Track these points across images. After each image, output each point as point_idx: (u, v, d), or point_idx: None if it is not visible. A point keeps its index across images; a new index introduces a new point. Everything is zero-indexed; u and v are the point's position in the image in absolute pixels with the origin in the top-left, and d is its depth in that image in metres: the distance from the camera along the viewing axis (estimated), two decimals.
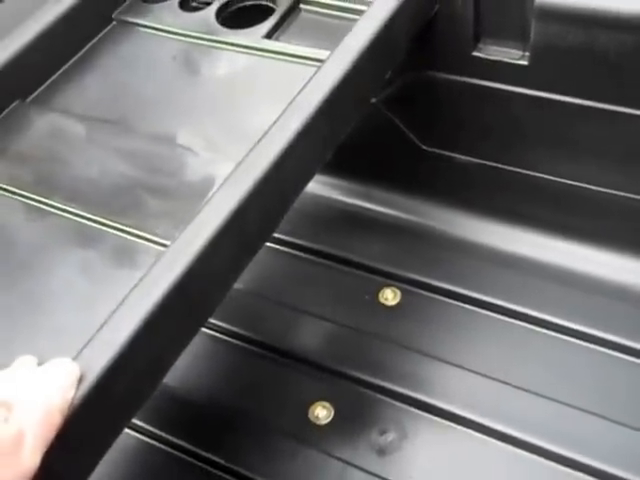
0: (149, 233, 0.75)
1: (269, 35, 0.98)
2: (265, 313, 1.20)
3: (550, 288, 1.16)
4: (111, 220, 0.77)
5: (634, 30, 0.89)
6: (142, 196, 0.80)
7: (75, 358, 0.58)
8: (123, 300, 0.63)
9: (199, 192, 0.78)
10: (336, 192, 1.34)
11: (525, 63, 1.00)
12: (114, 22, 1.04)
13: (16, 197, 0.82)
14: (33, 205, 0.81)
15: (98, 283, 0.73)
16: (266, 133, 0.77)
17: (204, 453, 1.05)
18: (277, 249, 1.28)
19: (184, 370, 1.13)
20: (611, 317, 1.11)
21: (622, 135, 1.02)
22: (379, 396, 1.09)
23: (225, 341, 1.17)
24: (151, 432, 1.07)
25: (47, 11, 0.97)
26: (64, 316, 0.71)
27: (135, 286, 0.64)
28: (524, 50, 1.00)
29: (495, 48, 1.02)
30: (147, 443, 1.07)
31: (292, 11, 1.01)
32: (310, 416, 1.08)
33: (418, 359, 1.11)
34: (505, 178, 1.18)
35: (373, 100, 1.14)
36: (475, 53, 1.03)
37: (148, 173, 0.82)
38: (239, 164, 0.74)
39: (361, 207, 1.32)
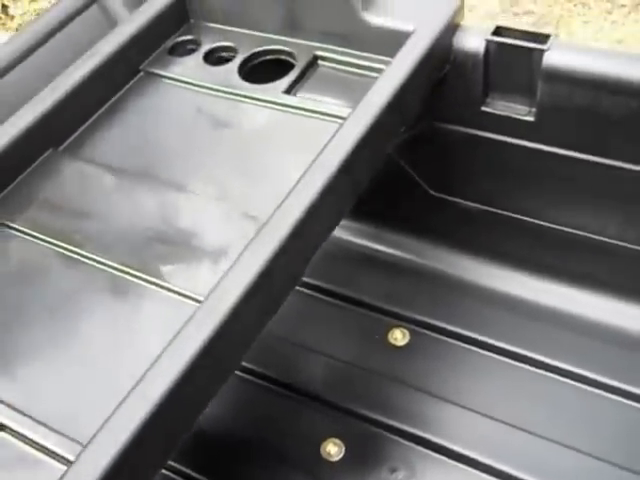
0: (179, 287, 0.85)
1: (289, 90, 1.09)
2: (280, 351, 1.31)
3: (552, 332, 1.28)
4: (140, 272, 0.87)
5: (635, 94, 1.01)
6: (168, 249, 0.90)
7: (111, 416, 0.68)
8: (158, 357, 0.72)
9: (222, 248, 0.88)
10: (349, 234, 1.45)
11: (531, 119, 1.11)
12: (141, 73, 1.16)
13: (51, 245, 0.93)
14: (66, 254, 0.91)
15: (125, 332, 0.83)
16: (290, 193, 0.86)
17: None
18: (295, 289, 1.36)
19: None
20: (608, 360, 1.22)
21: (619, 188, 1.14)
22: (388, 435, 1.20)
23: (242, 377, 1.28)
24: (170, 465, 1.18)
25: (81, 64, 1.08)
26: (91, 363, 0.81)
27: (169, 343, 0.73)
28: (530, 106, 1.11)
29: (503, 104, 1.13)
30: (166, 476, 1.17)
31: (311, 66, 1.13)
32: (322, 452, 1.20)
33: (426, 399, 1.22)
34: (509, 224, 1.29)
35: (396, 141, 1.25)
36: (484, 108, 1.14)
37: (174, 227, 0.92)
38: (265, 224, 0.83)
39: (373, 249, 1.44)
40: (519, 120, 1.12)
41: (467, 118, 1.17)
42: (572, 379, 1.21)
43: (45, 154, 1.04)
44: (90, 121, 1.09)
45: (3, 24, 3.22)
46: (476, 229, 1.35)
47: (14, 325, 0.85)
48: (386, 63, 1.04)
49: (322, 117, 1.03)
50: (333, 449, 1.20)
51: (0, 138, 1.00)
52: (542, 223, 1.26)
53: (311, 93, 1.09)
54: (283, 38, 1.16)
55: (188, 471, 1.18)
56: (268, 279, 0.81)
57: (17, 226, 0.96)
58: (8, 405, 0.77)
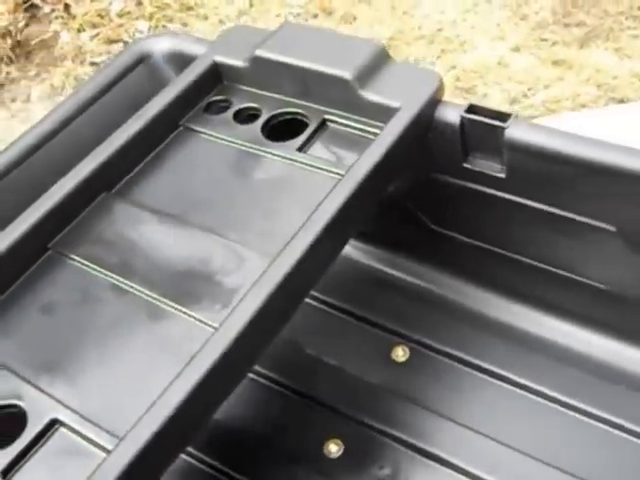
0: (201, 315, 1.14)
1: (301, 148, 1.40)
2: (292, 359, 1.62)
3: (543, 361, 1.53)
4: (174, 302, 1.17)
5: (575, 164, 1.30)
6: (195, 283, 1.19)
7: (142, 416, 0.96)
8: (180, 371, 1.02)
9: (240, 282, 1.17)
10: (362, 256, 1.76)
11: (502, 176, 1.40)
12: (181, 128, 1.47)
13: (103, 276, 1.23)
14: (116, 284, 1.22)
15: (159, 353, 1.11)
16: (294, 236, 1.16)
17: (233, 473, 1.48)
18: (305, 302, 1.66)
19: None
20: (590, 390, 1.47)
21: (573, 235, 1.43)
22: (383, 438, 1.49)
23: (257, 381, 1.59)
24: (191, 452, 1.50)
25: (132, 122, 1.40)
26: (128, 373, 1.09)
27: (190, 360, 1.03)
28: (502, 165, 1.40)
29: (480, 162, 1.43)
30: (187, 462, 1.50)
31: (321, 127, 1.43)
32: (324, 450, 1.50)
33: (420, 411, 1.50)
34: (502, 259, 1.57)
35: (391, 189, 1.54)
36: (465, 165, 1.43)
37: (203, 263, 1.21)
38: (271, 262, 1.14)
39: (383, 271, 1.74)
40: (493, 176, 1.41)
41: (453, 171, 1.46)
42: (554, 403, 1.48)
43: (99, 197, 1.34)
44: (137, 169, 1.39)
45: (65, 23, 3.55)
46: (473, 260, 1.63)
47: (72, 341, 1.14)
48: (381, 128, 1.35)
49: (327, 173, 1.33)
50: (334, 448, 1.49)
51: (65, 183, 1.28)
52: (524, 259, 1.54)
53: (320, 151, 1.39)
54: (299, 102, 1.45)
55: (207, 458, 1.50)
56: (270, 309, 1.10)
57: (77, 258, 1.24)
58: (64, 405, 1.05)
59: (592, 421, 1.45)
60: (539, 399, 1.49)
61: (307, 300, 1.68)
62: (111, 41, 3.46)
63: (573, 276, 1.49)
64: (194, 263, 1.23)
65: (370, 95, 1.38)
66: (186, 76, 1.48)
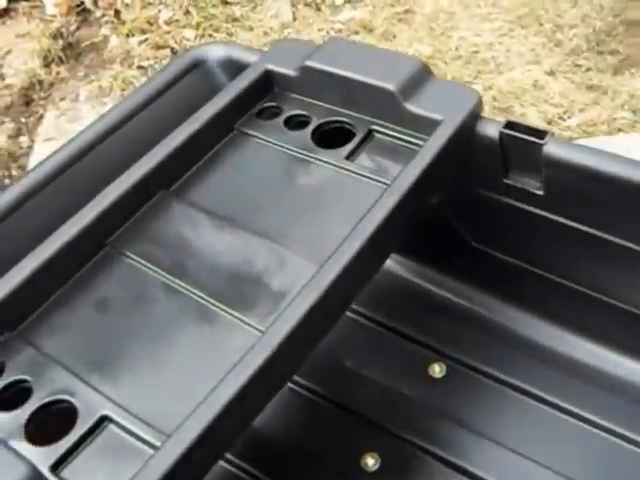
0: (248, 318, 1.13)
1: (349, 156, 1.40)
2: (331, 371, 1.60)
3: (579, 384, 1.51)
4: (223, 304, 1.15)
5: (612, 183, 1.29)
6: (246, 286, 1.18)
7: (189, 415, 0.95)
8: (227, 373, 1.00)
9: (288, 287, 1.16)
10: (404, 271, 1.74)
11: (541, 193, 1.39)
12: (235, 131, 1.47)
13: (156, 275, 1.22)
14: (168, 284, 1.19)
15: (208, 354, 1.10)
16: (342, 243, 1.16)
17: None
18: (346, 316, 1.66)
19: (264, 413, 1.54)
20: (625, 414, 1.44)
21: (610, 256, 1.40)
22: (419, 453, 1.47)
23: (296, 391, 1.58)
24: (227, 459, 1.49)
25: (189, 124, 1.40)
26: (177, 373, 1.08)
27: (237, 363, 1.01)
28: (540, 182, 1.39)
29: (520, 178, 1.42)
30: (224, 468, 1.48)
31: (368, 136, 1.44)
32: (361, 463, 1.47)
33: (455, 427, 1.48)
34: (538, 279, 1.55)
35: (435, 203, 1.54)
36: (505, 180, 1.42)
37: (252, 267, 1.21)
38: (319, 268, 1.13)
39: (423, 287, 1.72)
40: (532, 193, 1.40)
41: (495, 186, 1.45)
42: (595, 427, 1.45)
43: (157, 195, 1.33)
44: (193, 169, 1.39)
45: (115, 28, 3.57)
46: (512, 280, 1.60)
47: (123, 339, 1.13)
48: (424, 140, 1.35)
49: (373, 182, 1.33)
50: (370, 461, 1.46)
51: (124, 181, 1.28)
52: (564, 281, 1.52)
53: (367, 160, 1.39)
54: (346, 111, 1.46)
55: (244, 465, 1.48)
56: (317, 314, 1.08)
57: (133, 255, 1.23)
58: (115, 402, 1.04)
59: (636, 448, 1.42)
60: (578, 422, 1.47)
61: (347, 313, 1.66)
62: (159, 47, 3.46)
63: (613, 301, 1.47)
64: (243, 266, 1.22)
65: (413, 108, 1.38)
66: (240, 82, 1.49)
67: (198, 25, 3.51)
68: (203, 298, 1.17)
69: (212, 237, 1.27)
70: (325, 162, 1.39)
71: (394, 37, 3.31)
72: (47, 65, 3.46)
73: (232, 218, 1.30)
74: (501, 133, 1.37)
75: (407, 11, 3.42)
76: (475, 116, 1.39)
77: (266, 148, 1.44)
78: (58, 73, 3.46)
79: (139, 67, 3.42)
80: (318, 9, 3.54)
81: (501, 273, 1.61)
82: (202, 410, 0.97)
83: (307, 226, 1.28)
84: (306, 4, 3.57)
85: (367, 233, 1.18)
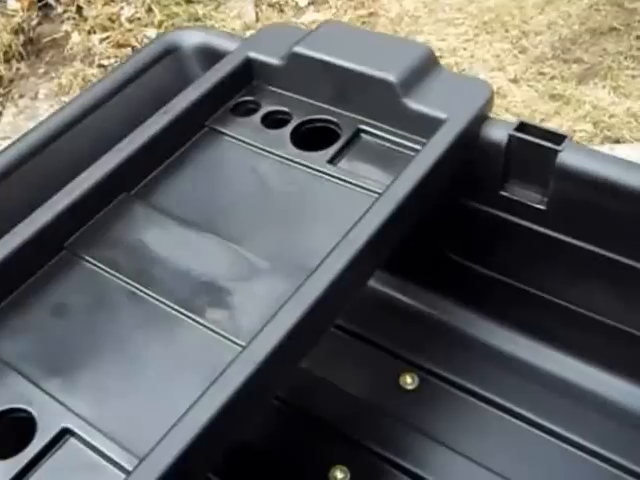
0: (225, 332, 1.00)
1: (332, 159, 1.23)
2: (300, 382, 1.45)
3: (552, 397, 1.40)
4: (195, 314, 1.03)
5: (636, 199, 1.14)
6: (218, 296, 1.05)
7: (164, 436, 0.84)
8: (204, 392, 0.88)
9: (266, 301, 1.02)
10: (376, 281, 1.59)
11: (543, 207, 1.24)
12: (206, 129, 1.30)
13: (119, 281, 1.08)
14: (133, 291, 1.07)
15: (181, 368, 0.98)
16: (323, 261, 1.01)
17: None
18: None
19: None
20: (607, 434, 1.33)
21: (617, 278, 1.26)
22: (389, 468, 1.35)
23: None
24: None
25: (156, 120, 1.23)
26: (148, 388, 0.96)
27: (214, 381, 0.89)
28: (543, 196, 1.23)
29: (519, 190, 1.26)
30: None
31: (354, 138, 1.26)
32: (330, 476, 1.35)
33: (425, 441, 1.36)
34: (521, 295, 1.42)
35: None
36: (502, 192, 1.27)
37: (226, 276, 1.07)
38: (303, 283, 0.98)
39: (395, 298, 1.58)
40: (532, 207, 1.25)
41: (487, 199, 1.30)
42: (565, 442, 1.35)
43: (119, 197, 1.19)
44: (158, 170, 1.24)
45: (76, 25, 3.40)
46: (490, 294, 1.48)
47: (85, 347, 1.01)
48: (421, 144, 1.18)
49: (358, 189, 1.17)
50: (339, 475, 1.35)
51: (84, 181, 1.14)
52: (552, 298, 1.38)
53: (352, 164, 1.22)
54: (332, 108, 1.29)
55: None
56: (302, 330, 0.96)
57: (93, 260, 1.10)
58: (78, 415, 0.92)
59: (605, 465, 1.32)
60: (551, 438, 1.36)
61: None
62: (120, 45, 3.30)
63: (611, 322, 1.34)
64: (215, 274, 1.08)
65: (414, 103, 1.21)
66: (216, 72, 1.31)
67: (160, 24, 3.34)
68: (171, 307, 1.04)
69: (180, 243, 1.13)
70: (305, 166, 1.22)
71: None
72: (7, 61, 3.29)
73: (203, 224, 1.16)
74: (510, 137, 1.20)
75: (371, 14, 3.28)
76: (484, 116, 1.22)
77: (240, 148, 1.28)
78: (18, 69, 3.29)
79: (100, 65, 3.25)
80: (281, 10, 3.39)
81: (478, 286, 1.49)
82: (178, 432, 0.85)
83: (283, 236, 1.14)
84: (270, 5, 3.41)
85: (356, 246, 1.03)
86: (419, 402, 1.43)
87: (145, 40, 3.29)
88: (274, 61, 1.33)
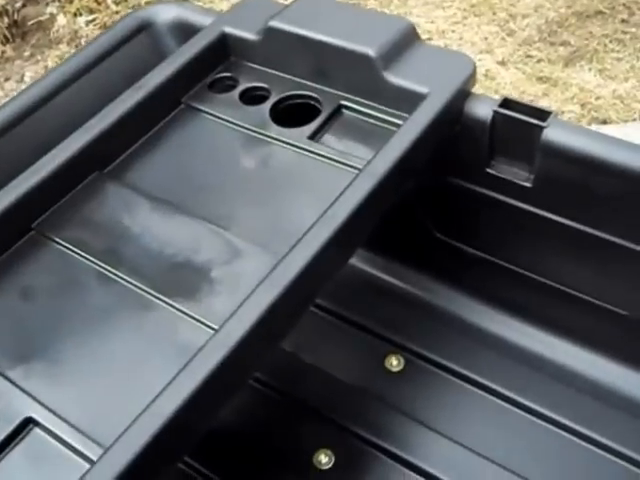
0: (198, 314, 0.94)
1: (313, 136, 1.17)
2: (285, 364, 1.41)
3: (539, 378, 1.36)
4: (167, 297, 0.97)
5: (621, 175, 1.09)
6: (193, 277, 0.99)
7: (130, 425, 0.79)
8: (174, 377, 0.82)
9: (244, 281, 0.96)
10: (361, 262, 1.54)
11: (529, 185, 1.19)
12: (182, 106, 1.24)
13: (90, 263, 1.02)
14: (102, 272, 1.01)
15: (151, 353, 0.92)
16: (306, 233, 0.95)
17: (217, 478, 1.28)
18: None
19: None
20: (596, 417, 1.29)
21: (601, 256, 1.22)
22: (373, 451, 1.30)
23: (249, 385, 1.37)
24: None
25: (129, 96, 1.17)
26: (116, 373, 0.91)
27: (185, 365, 0.83)
28: (530, 173, 1.19)
29: (505, 167, 1.21)
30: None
31: (335, 114, 1.21)
32: (314, 460, 1.31)
33: (410, 423, 1.32)
34: (506, 273, 1.37)
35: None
36: (488, 170, 1.22)
37: (201, 257, 1.01)
38: (278, 263, 0.93)
39: (380, 279, 1.53)
40: (518, 184, 1.20)
41: (473, 176, 1.25)
42: (550, 424, 1.31)
43: (91, 176, 1.13)
44: (133, 148, 1.18)
45: (62, 7, 3.33)
46: (476, 273, 1.43)
47: (52, 332, 0.95)
48: (403, 119, 1.13)
49: (340, 166, 1.11)
50: (324, 459, 1.31)
51: (53, 158, 1.08)
52: (538, 277, 1.34)
53: (333, 140, 1.17)
54: (312, 84, 1.24)
55: (194, 464, 1.29)
56: (278, 312, 0.90)
57: (62, 242, 1.05)
58: (42, 404, 0.87)
59: (602, 452, 1.27)
60: (537, 419, 1.32)
61: None
62: (107, 27, 3.18)
63: (597, 302, 1.29)
64: (190, 255, 1.02)
65: (395, 78, 1.16)
66: (191, 47, 1.25)
67: (147, 4, 3.23)
68: (142, 289, 0.98)
69: (153, 223, 1.07)
70: (285, 142, 1.17)
71: None
72: None
73: (177, 203, 1.10)
74: (495, 113, 1.15)
75: None
76: (467, 90, 1.17)
77: (217, 125, 1.22)
78: (4, 52, 3.21)
79: None
80: None
81: (468, 267, 1.44)
82: (146, 419, 0.79)
83: (262, 214, 1.08)
84: None
85: (335, 224, 0.97)
86: (404, 384, 1.39)
87: None
88: (250, 36, 1.27)
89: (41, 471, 0.83)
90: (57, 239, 1.05)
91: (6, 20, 3.24)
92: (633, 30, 2.91)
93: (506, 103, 1.15)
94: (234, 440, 1.33)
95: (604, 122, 2.63)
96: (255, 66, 1.29)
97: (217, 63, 1.29)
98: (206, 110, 1.23)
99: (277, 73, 1.27)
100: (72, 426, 0.85)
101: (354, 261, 1.53)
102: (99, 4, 3.28)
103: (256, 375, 1.38)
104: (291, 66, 1.25)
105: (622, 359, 1.33)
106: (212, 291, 0.97)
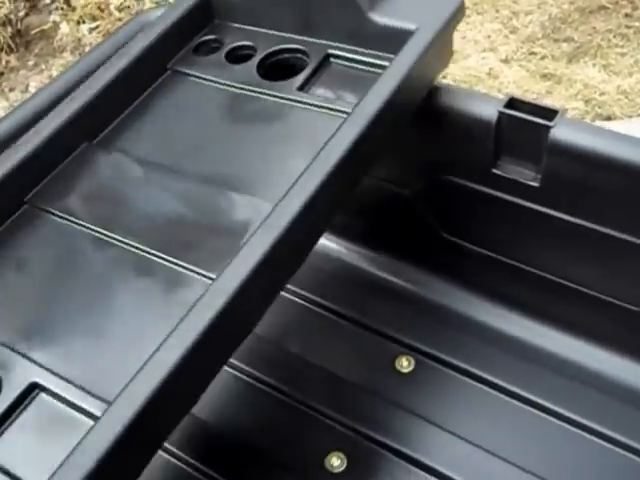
0: (196, 267, 0.92)
1: (302, 87, 1.16)
2: (294, 367, 1.40)
3: (549, 376, 1.33)
4: (165, 253, 0.95)
5: (628, 173, 1.08)
6: (191, 233, 0.98)
7: (132, 378, 0.78)
8: (174, 328, 0.81)
9: (240, 230, 0.95)
10: (368, 263, 1.54)
11: (536, 185, 1.18)
12: (169, 71, 1.23)
13: (85, 229, 1.01)
14: (98, 237, 0.99)
15: (152, 308, 0.91)
16: (296, 182, 0.94)
17: None
18: (310, 309, 1.48)
19: (220, 410, 1.35)
20: (599, 408, 1.27)
21: (610, 253, 1.21)
22: (387, 454, 1.28)
23: (259, 389, 1.38)
24: (178, 455, 1.29)
25: (113, 64, 1.16)
26: (117, 332, 0.90)
27: (184, 316, 0.82)
28: (537, 173, 1.17)
29: (512, 167, 1.20)
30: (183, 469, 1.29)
31: (323, 64, 1.20)
32: (326, 464, 1.28)
33: (423, 424, 1.30)
34: (515, 272, 1.36)
35: (406, 193, 1.37)
36: (494, 170, 1.21)
37: (197, 212, 1.00)
38: (273, 209, 0.91)
39: (388, 280, 1.52)
40: (525, 184, 1.19)
41: (479, 177, 1.25)
42: (564, 421, 1.28)
43: (80, 147, 1.11)
44: (122, 116, 1.16)
45: (65, 15, 3.32)
46: (484, 272, 1.42)
47: (52, 301, 0.94)
48: (392, 60, 1.10)
49: (331, 112, 1.11)
50: (336, 462, 1.28)
51: (41, 131, 1.07)
52: (545, 275, 1.33)
53: (323, 89, 1.17)
54: (298, 37, 1.23)
55: (204, 468, 1.28)
56: (275, 258, 0.89)
57: (57, 212, 1.04)
58: (46, 368, 0.86)
59: (609, 445, 1.25)
60: (550, 418, 1.29)
61: (312, 307, 1.49)
62: (110, 34, 3.18)
63: (601, 296, 1.28)
64: (185, 212, 1.01)
65: (381, 17, 1.15)
66: (174, 12, 1.24)
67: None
68: (139, 248, 0.97)
69: (146, 185, 1.06)
70: (275, 96, 1.16)
71: None
72: None
73: (169, 165, 1.08)
74: (500, 114, 1.14)
75: None
76: (454, 23, 1.15)
77: (206, 87, 1.20)
78: (8, 62, 3.22)
79: None
80: None
81: (475, 266, 1.43)
82: (148, 372, 0.79)
83: (259, 165, 1.07)
84: None
85: (328, 166, 0.95)
86: (415, 385, 1.37)
87: None
88: None
89: (51, 432, 0.83)
90: (51, 210, 1.04)
91: (9, 30, 3.26)
92: (637, 24, 2.89)
93: (512, 103, 1.14)
94: (246, 445, 1.32)
95: (608, 118, 2.61)
96: (240, 26, 1.28)
97: (201, 26, 1.28)
98: (193, 73, 1.22)
99: (262, 30, 1.26)
100: (76, 386, 0.84)
101: (362, 262, 1.54)
102: (102, 11, 3.28)
103: (266, 379, 1.38)
104: (276, 21, 1.24)
105: (626, 352, 1.31)
106: (208, 243, 0.96)
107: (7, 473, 0.79)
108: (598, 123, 2.58)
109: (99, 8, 3.28)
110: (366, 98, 1.03)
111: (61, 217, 1.03)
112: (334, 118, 1.07)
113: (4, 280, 0.98)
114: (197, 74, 1.22)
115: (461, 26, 2.95)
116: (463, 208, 1.34)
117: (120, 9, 3.28)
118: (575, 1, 3.01)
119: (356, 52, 1.18)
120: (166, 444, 1.23)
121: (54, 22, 3.31)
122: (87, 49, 3.18)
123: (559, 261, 1.30)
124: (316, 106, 1.12)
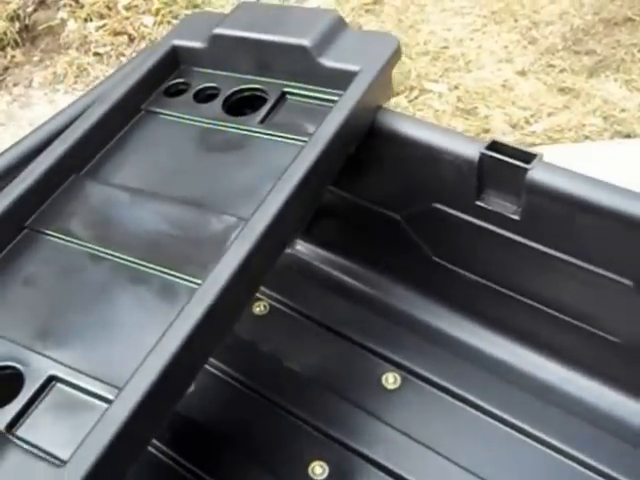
0: (184, 274, 1.09)
1: (263, 120, 1.33)
2: (282, 377, 1.50)
3: (532, 400, 1.39)
4: (155, 264, 1.11)
5: (603, 215, 1.18)
6: (176, 245, 1.14)
7: (139, 365, 0.94)
8: (170, 324, 0.97)
9: (219, 242, 1.11)
10: (360, 282, 1.64)
11: (517, 218, 1.28)
12: (142, 112, 1.39)
13: (80, 247, 1.16)
14: (94, 253, 1.15)
15: (149, 309, 1.07)
16: (264, 200, 1.11)
17: None
18: (302, 323, 1.59)
19: (211, 416, 1.48)
20: (577, 434, 1.33)
21: (587, 283, 1.29)
22: (369, 466, 1.36)
23: (247, 395, 1.48)
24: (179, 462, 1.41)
25: (96, 108, 1.32)
26: (121, 330, 1.05)
27: (179, 314, 0.99)
28: (518, 206, 1.27)
29: (494, 200, 1.31)
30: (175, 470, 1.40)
31: (280, 100, 1.37)
32: (309, 471, 1.38)
33: (405, 441, 1.37)
34: (501, 297, 1.43)
35: (397, 217, 1.49)
36: (477, 202, 1.32)
37: (178, 229, 1.16)
38: (246, 222, 1.09)
39: (378, 298, 1.61)
40: (506, 217, 1.29)
41: (463, 207, 1.35)
42: (547, 447, 1.33)
43: (70, 179, 1.27)
44: (104, 150, 1.32)
45: (73, 12, 3.35)
46: (473, 295, 1.50)
47: (59, 309, 1.09)
48: (340, 95, 1.29)
49: (288, 141, 1.28)
50: (318, 470, 1.38)
51: (36, 167, 1.23)
52: (530, 302, 1.40)
53: (281, 122, 1.33)
54: (257, 78, 1.40)
55: (198, 471, 1.38)
56: (251, 263, 1.06)
57: (54, 233, 1.18)
58: (61, 363, 1.01)
59: (585, 470, 1.30)
60: (533, 442, 1.35)
61: (304, 320, 1.61)
62: (116, 33, 3.28)
63: (583, 325, 1.36)
64: (169, 229, 1.17)
65: (329, 62, 1.34)
66: (145, 61, 1.42)
67: (158, 11, 3.30)
68: (132, 261, 1.14)
69: (132, 208, 1.22)
70: (239, 129, 1.33)
71: (360, 29, 3.07)
72: (2, 48, 3.27)
73: (150, 190, 1.25)
74: (482, 155, 1.26)
75: (376, 2, 3.21)
76: (392, 64, 1.35)
77: (176, 124, 1.37)
78: (13, 57, 3.26)
79: (95, 54, 3.22)
80: None
81: (464, 289, 1.51)
82: (151, 360, 0.95)
83: (228, 187, 1.23)
84: None
85: (292, 184, 1.13)
86: (400, 402, 1.44)
87: (142, 28, 3.27)
88: (198, 45, 1.44)
89: (70, 415, 0.97)
90: (48, 232, 1.20)
91: (17, 25, 3.31)
92: None
93: (493, 145, 1.25)
94: (230, 450, 1.41)
95: (627, 136, 2.58)
96: (205, 70, 1.45)
97: (169, 72, 1.45)
98: (164, 112, 1.38)
99: (225, 73, 1.43)
100: (89, 376, 0.99)
101: (350, 280, 1.65)
102: (109, 10, 3.33)
103: (254, 386, 1.49)
104: (237, 65, 1.42)
105: (617, 385, 1.37)
106: (192, 254, 1.12)
107: (37, 447, 0.93)
108: (616, 140, 2.55)
109: (107, 6, 3.35)
110: (321, 127, 1.22)
111: (59, 237, 1.19)
112: (291, 146, 1.26)
113: (15, 295, 1.13)
114: (168, 112, 1.38)
115: (477, 35, 2.95)
116: (451, 235, 1.44)
117: (128, 8, 3.33)
118: (599, 12, 2.98)
119: (309, 89, 1.37)
120: (155, 441, 1.39)
121: (62, 19, 3.36)
122: (92, 47, 3.24)
123: (544, 290, 1.38)
124: (276, 136, 1.30)
